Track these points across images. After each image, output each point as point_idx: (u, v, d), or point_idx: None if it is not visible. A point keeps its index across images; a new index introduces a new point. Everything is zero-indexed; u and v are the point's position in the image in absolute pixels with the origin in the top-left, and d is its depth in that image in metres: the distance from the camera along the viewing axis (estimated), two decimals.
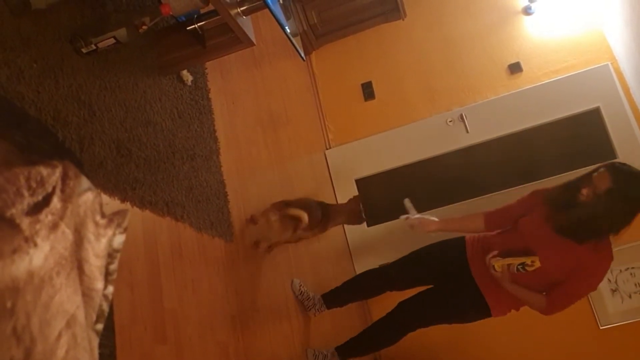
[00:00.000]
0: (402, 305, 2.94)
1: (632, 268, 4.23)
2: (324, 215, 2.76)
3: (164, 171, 1.95)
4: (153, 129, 1.96)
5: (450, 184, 4.84)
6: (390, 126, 5.00)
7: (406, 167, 4.91)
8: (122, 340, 1.47)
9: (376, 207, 4.90)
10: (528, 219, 2.62)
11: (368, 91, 5.15)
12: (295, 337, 2.84)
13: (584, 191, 2.38)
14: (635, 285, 4.20)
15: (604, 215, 2.33)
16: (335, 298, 3.21)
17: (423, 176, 4.91)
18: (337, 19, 4.86)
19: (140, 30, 1.72)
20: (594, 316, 4.20)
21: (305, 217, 2.63)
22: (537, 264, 2.46)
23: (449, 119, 4.81)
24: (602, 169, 2.39)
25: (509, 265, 2.53)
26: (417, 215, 2.86)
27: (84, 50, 1.65)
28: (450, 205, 4.65)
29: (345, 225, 4.79)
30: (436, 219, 2.83)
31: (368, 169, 4.94)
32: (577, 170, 4.36)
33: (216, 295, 2.14)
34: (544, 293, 2.58)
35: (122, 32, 1.68)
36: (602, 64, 4.56)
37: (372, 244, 4.72)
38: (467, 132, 4.73)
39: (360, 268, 4.67)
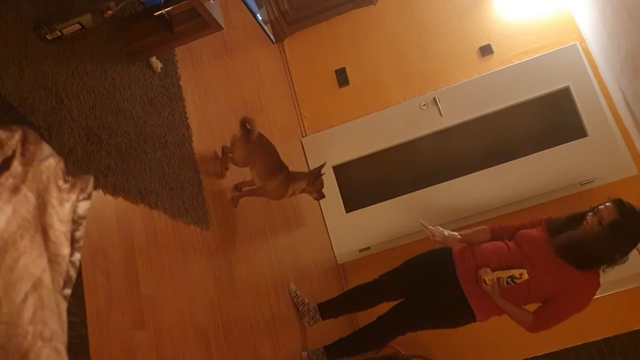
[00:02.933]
0: (392, 311, 3.01)
1: None
2: (287, 175, 2.79)
3: (135, 158, 1.93)
4: (123, 117, 1.95)
5: (427, 167, 4.89)
6: (365, 112, 5.02)
7: (382, 152, 4.94)
8: (99, 327, 1.47)
9: (354, 192, 4.93)
10: (528, 232, 2.75)
11: (342, 77, 5.16)
12: (276, 323, 2.85)
13: (589, 218, 2.54)
14: None
15: (605, 243, 2.48)
16: (330, 309, 3.27)
17: (400, 160, 4.95)
18: (308, 5, 4.85)
19: (105, 16, 1.71)
20: None
21: (251, 119, 2.69)
22: (525, 276, 2.56)
23: (423, 103, 4.84)
24: (608, 203, 2.54)
25: (498, 278, 2.61)
26: (446, 232, 2.91)
27: (48, 37, 1.63)
28: (428, 187, 4.70)
29: (324, 211, 4.81)
30: (458, 236, 2.89)
31: (345, 156, 4.96)
32: (550, 149, 4.48)
33: (194, 281, 2.14)
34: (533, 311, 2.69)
35: (87, 18, 1.67)
36: (570, 44, 4.64)
37: (350, 229, 4.75)
38: (441, 115, 4.77)
39: (339, 253, 4.70)
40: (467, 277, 2.77)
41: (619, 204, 2.53)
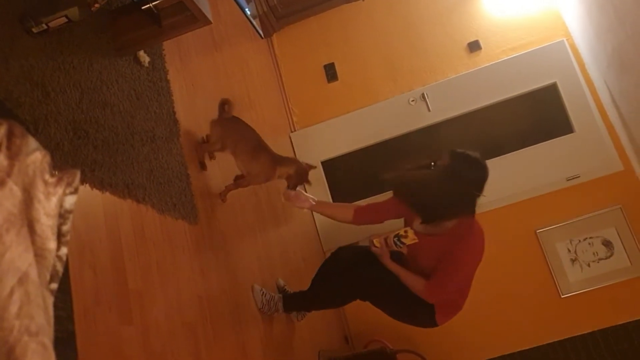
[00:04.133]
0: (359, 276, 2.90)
1: (590, 238, 4.37)
2: (272, 156, 2.78)
3: (123, 153, 1.93)
4: (110, 111, 1.94)
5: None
6: (354, 107, 5.03)
7: (371, 148, 4.96)
8: (87, 322, 1.47)
9: (342, 187, 4.94)
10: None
11: (331, 73, 5.16)
12: (264, 317, 2.86)
13: (427, 170, 2.53)
14: (594, 254, 4.34)
15: (439, 190, 2.45)
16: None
17: (387, 156, 4.97)
18: (297, 0, 4.84)
19: (92, 9, 1.70)
20: (555, 286, 4.34)
21: (229, 101, 2.72)
22: (411, 234, 2.52)
23: (411, 99, 4.86)
24: (444, 154, 2.51)
25: (386, 239, 2.60)
26: (297, 189, 2.87)
27: (34, 30, 1.62)
28: None
29: None
30: (313, 199, 2.88)
31: (333, 151, 4.97)
32: (537, 144, 4.52)
33: (182, 276, 2.14)
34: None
35: (73, 11, 1.65)
36: (557, 41, 4.67)
37: (338, 225, 4.70)
38: (429, 111, 4.79)
39: (328, 248, 4.71)
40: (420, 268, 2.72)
41: (452, 151, 2.51)
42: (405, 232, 2.54)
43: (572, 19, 4.62)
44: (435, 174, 2.48)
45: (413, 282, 2.63)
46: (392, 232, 2.61)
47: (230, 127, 2.71)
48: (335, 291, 2.93)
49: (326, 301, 3.12)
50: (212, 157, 2.77)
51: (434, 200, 2.49)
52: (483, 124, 4.76)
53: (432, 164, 2.53)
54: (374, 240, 2.65)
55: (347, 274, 2.87)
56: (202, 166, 2.67)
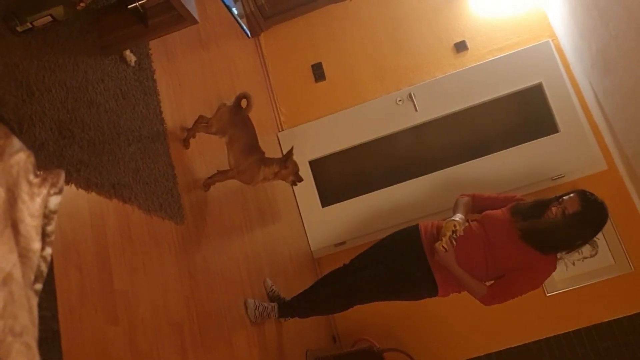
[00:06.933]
0: (358, 279, 3.01)
1: None
2: (261, 157, 2.82)
3: (109, 153, 1.92)
4: (96, 110, 1.93)
5: (402, 161, 4.92)
6: (341, 107, 5.04)
7: (358, 147, 4.96)
8: (72, 322, 1.46)
9: (330, 187, 4.95)
10: (492, 212, 2.83)
11: (318, 72, 5.16)
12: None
13: (553, 209, 2.65)
14: (578, 253, 4.33)
15: (567, 232, 2.62)
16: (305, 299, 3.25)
17: (375, 155, 4.98)
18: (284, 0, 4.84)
19: (78, 8, 1.69)
20: None
21: (251, 97, 2.84)
22: (460, 228, 2.64)
23: (398, 99, 4.87)
24: (572, 194, 2.66)
25: (449, 239, 2.64)
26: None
27: (19, 29, 1.61)
28: (403, 182, 4.73)
29: (300, 205, 4.82)
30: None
31: (321, 150, 4.96)
32: (523, 144, 4.55)
33: (169, 276, 2.14)
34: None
35: (58, 10, 1.64)
36: (543, 41, 4.70)
37: (326, 224, 4.76)
38: (416, 110, 4.80)
39: (315, 248, 4.72)
40: (432, 251, 2.79)
41: (582, 194, 2.65)
42: (455, 226, 2.65)
43: (557, 19, 4.67)
44: (563, 220, 2.60)
45: (475, 286, 2.73)
46: (443, 227, 2.70)
47: (239, 120, 2.79)
48: (335, 296, 3.04)
49: (325, 307, 3.23)
50: (194, 136, 2.78)
51: (554, 240, 2.65)
52: (469, 124, 4.79)
53: (559, 200, 2.65)
54: (444, 246, 2.64)
55: (348, 279, 3.00)
56: (186, 144, 2.70)
